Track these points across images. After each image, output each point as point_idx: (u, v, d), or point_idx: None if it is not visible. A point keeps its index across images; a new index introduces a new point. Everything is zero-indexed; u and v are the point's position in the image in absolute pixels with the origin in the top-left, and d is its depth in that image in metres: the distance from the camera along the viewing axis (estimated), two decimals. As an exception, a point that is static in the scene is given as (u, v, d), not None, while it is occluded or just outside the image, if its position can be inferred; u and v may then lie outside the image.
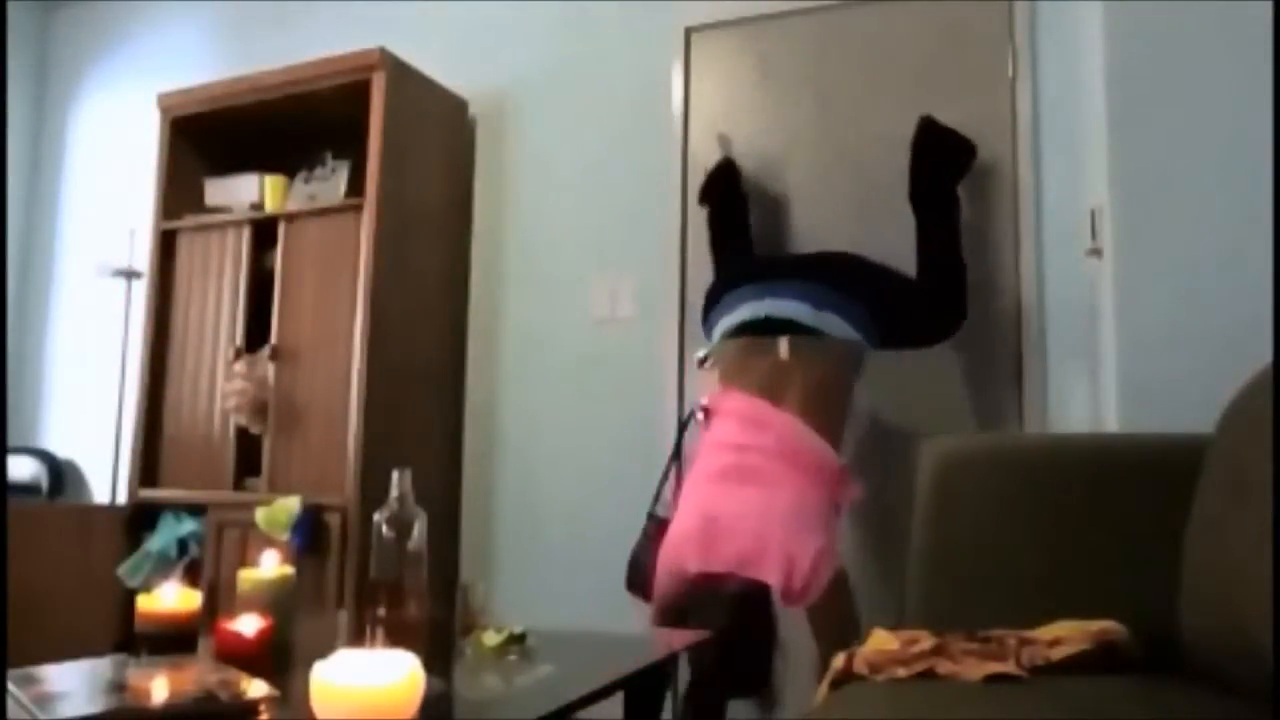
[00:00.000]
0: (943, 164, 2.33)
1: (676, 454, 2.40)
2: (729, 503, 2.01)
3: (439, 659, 1.53)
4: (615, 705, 1.56)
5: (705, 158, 2.73)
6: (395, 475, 1.47)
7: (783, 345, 2.08)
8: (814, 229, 2.63)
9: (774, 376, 2.09)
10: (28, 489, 3.60)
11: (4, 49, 3.04)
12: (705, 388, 2.41)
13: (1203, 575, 1.22)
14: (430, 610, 1.49)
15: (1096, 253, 2.03)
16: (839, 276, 2.16)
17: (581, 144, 3.05)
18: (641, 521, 2.27)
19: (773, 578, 1.91)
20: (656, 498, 2.32)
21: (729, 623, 1.89)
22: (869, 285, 2.18)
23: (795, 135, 2.71)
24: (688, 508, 2.09)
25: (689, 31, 2.89)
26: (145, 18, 3.94)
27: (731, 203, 2.60)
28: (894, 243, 2.39)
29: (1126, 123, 1.88)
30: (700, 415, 2.29)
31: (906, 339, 2.26)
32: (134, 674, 1.28)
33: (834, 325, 2.08)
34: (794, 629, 2.08)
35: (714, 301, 2.31)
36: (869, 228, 2.48)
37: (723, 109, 2.81)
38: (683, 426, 2.42)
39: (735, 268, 2.42)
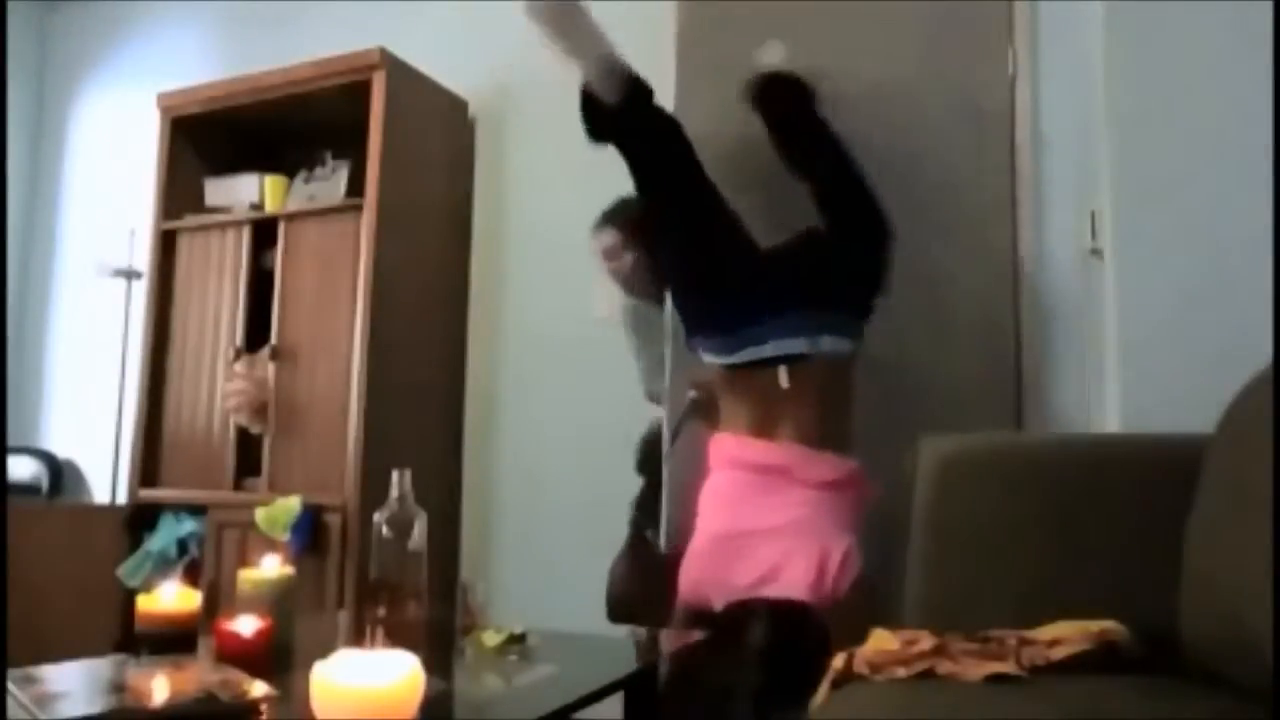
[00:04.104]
0: (800, 108, 2.25)
1: (669, 454, 2.38)
2: (745, 521, 1.96)
3: (439, 659, 1.53)
4: (615, 705, 1.56)
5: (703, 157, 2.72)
6: (395, 475, 1.47)
7: (782, 376, 2.03)
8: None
9: (773, 401, 2.05)
10: (28, 489, 3.60)
11: (4, 49, 3.04)
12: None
13: (1203, 575, 1.22)
14: (430, 610, 1.49)
15: (1097, 253, 2.03)
16: (828, 292, 2.08)
17: (581, 143, 3.04)
18: (642, 521, 2.27)
19: (799, 589, 1.85)
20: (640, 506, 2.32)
21: (773, 640, 1.82)
22: (846, 281, 2.12)
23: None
24: (704, 531, 2.03)
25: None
26: (145, 18, 3.94)
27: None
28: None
29: (1126, 123, 1.88)
30: (693, 392, 2.25)
31: (872, 289, 2.17)
32: (134, 674, 1.29)
33: (828, 345, 2.05)
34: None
35: (705, 324, 2.13)
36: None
37: (720, 108, 2.80)
38: (675, 431, 2.39)
39: (729, 298, 2.13)
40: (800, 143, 2.27)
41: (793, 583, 1.86)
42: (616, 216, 2.55)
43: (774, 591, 1.88)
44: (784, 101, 2.26)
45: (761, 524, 1.94)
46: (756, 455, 2.04)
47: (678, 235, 2.18)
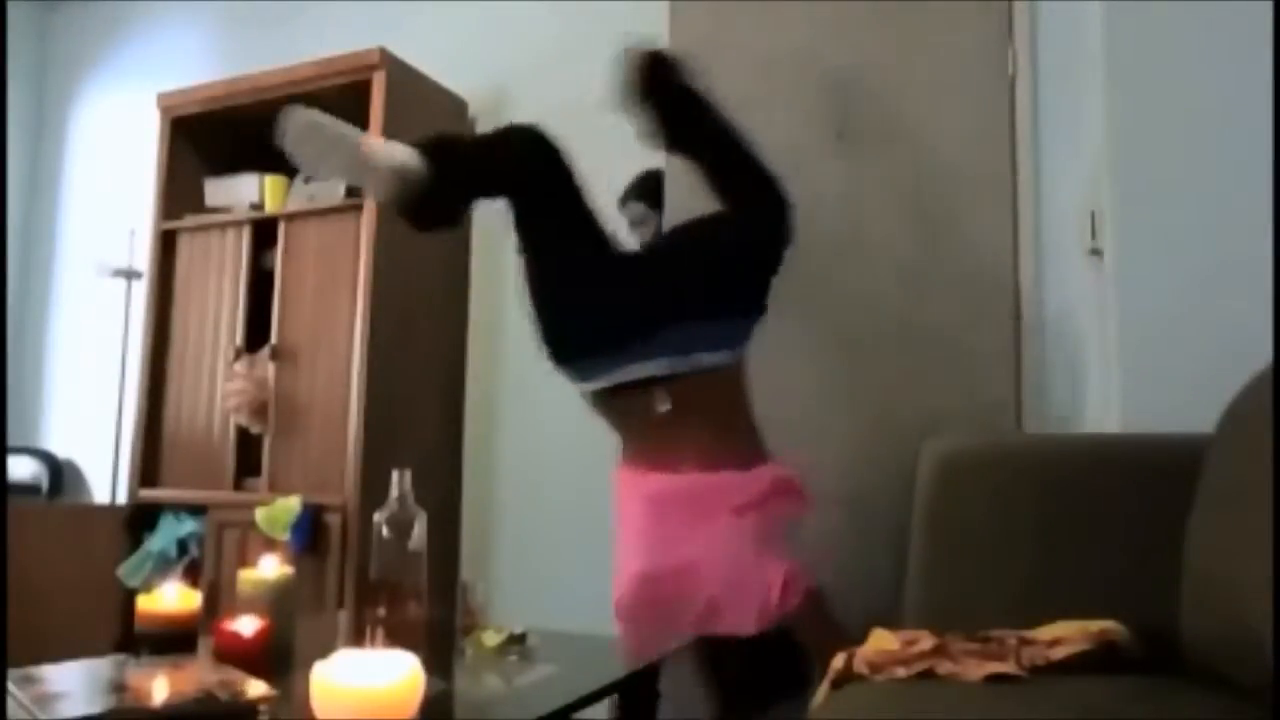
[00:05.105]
0: (681, 91, 2.06)
1: None
2: (667, 557, 1.83)
3: (439, 659, 1.53)
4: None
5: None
6: (395, 475, 1.47)
7: (660, 400, 1.87)
8: (808, 226, 2.62)
9: (657, 427, 1.89)
10: (28, 489, 3.60)
11: (4, 49, 3.04)
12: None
13: (1203, 575, 1.22)
14: (430, 610, 1.49)
15: (1097, 253, 2.03)
16: (699, 303, 1.89)
17: (580, 143, 3.04)
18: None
19: (745, 625, 1.75)
20: None
21: (750, 655, 1.79)
22: (723, 284, 1.93)
23: (784, 133, 2.70)
24: (627, 571, 1.89)
25: (689, 31, 2.88)
26: (145, 18, 3.94)
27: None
28: (870, 244, 2.38)
29: (1126, 123, 1.88)
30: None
31: (757, 281, 1.99)
32: (134, 674, 1.29)
33: (702, 360, 1.87)
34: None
35: (561, 345, 2.01)
36: (856, 220, 2.48)
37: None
38: None
39: (589, 317, 1.98)
40: (682, 118, 2.08)
41: (738, 622, 1.76)
42: (642, 187, 2.59)
43: (721, 629, 1.77)
44: (660, 79, 2.07)
45: (684, 559, 1.80)
46: (659, 489, 1.89)
47: (534, 248, 1.98)
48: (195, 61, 3.68)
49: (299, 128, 1.84)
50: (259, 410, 2.92)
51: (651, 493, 1.90)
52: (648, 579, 1.85)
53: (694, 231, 2.06)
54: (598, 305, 1.93)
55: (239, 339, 3.01)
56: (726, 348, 1.91)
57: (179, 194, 3.22)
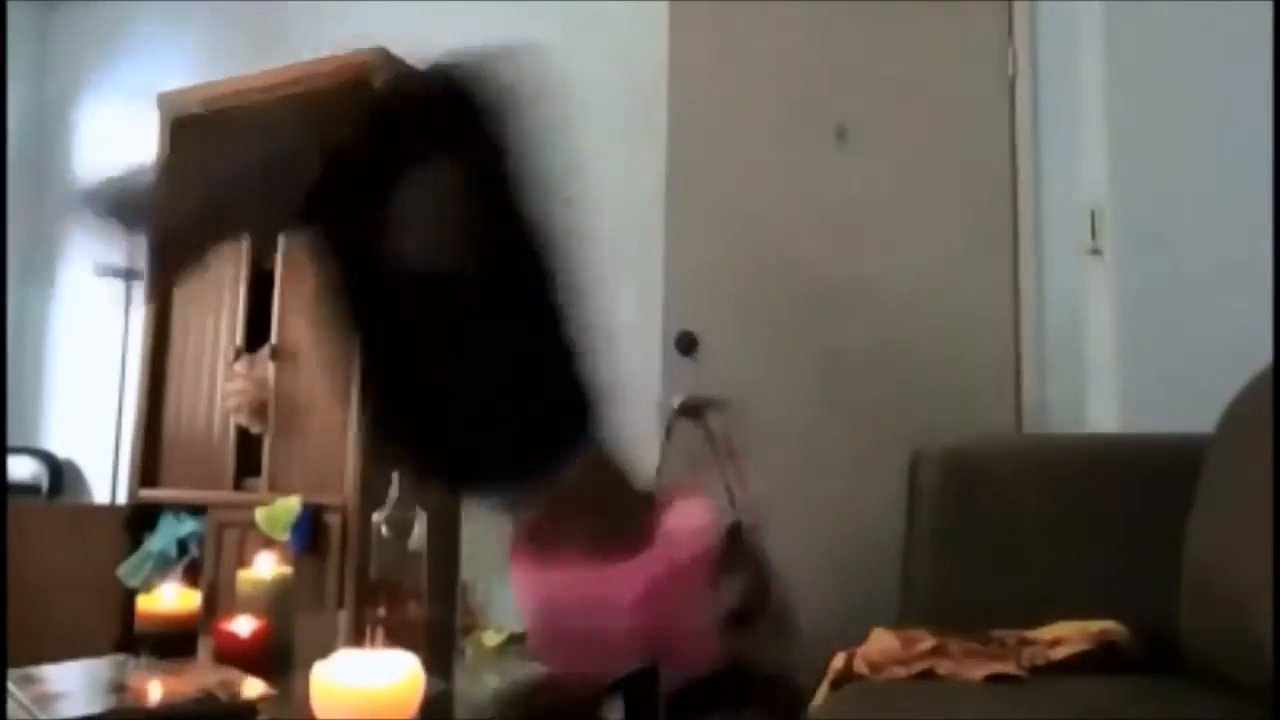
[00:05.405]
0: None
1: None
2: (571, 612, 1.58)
3: (439, 659, 1.53)
4: (615, 704, 1.56)
5: (700, 157, 2.72)
6: (395, 475, 1.47)
7: (528, 522, 1.63)
8: (808, 226, 2.63)
9: (537, 529, 1.64)
10: (28, 489, 3.60)
11: (4, 49, 3.04)
12: (695, 386, 2.40)
13: (1203, 575, 1.22)
14: (430, 610, 1.49)
15: (1097, 253, 2.03)
16: (525, 445, 1.55)
17: (580, 143, 3.03)
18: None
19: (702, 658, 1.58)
20: None
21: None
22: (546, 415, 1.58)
23: (784, 133, 2.70)
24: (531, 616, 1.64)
25: (689, 31, 2.88)
26: (145, 18, 3.94)
27: None
28: (871, 244, 2.39)
29: (1126, 123, 1.89)
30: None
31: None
32: (134, 674, 1.29)
33: (559, 481, 1.56)
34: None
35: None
36: (855, 221, 2.48)
37: (718, 108, 2.80)
38: (668, 430, 2.37)
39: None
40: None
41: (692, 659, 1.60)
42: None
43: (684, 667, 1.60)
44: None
45: (581, 653, 1.56)
46: (542, 581, 1.64)
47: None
48: (195, 61, 3.68)
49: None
50: (259, 410, 2.92)
51: (536, 583, 1.64)
52: (553, 613, 1.61)
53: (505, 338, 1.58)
54: (421, 436, 1.61)
55: (239, 339, 3.01)
56: (580, 454, 1.59)
57: (179, 194, 3.21)
